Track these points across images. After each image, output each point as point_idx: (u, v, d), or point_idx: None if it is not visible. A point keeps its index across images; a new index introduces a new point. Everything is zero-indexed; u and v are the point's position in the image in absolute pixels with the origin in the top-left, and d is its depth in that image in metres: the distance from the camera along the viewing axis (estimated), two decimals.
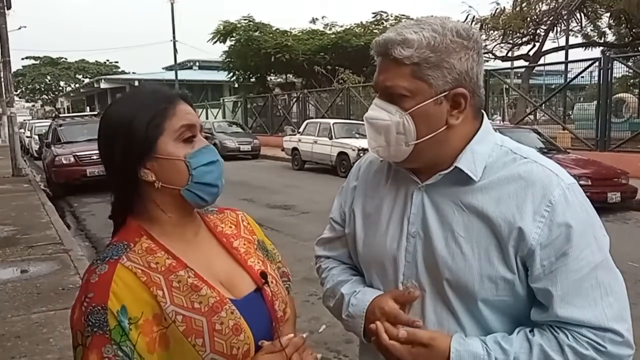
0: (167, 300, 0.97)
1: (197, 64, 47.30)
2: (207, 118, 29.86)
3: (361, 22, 27.29)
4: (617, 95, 14.55)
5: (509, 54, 22.75)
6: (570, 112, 18.26)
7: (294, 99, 24.87)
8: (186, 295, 0.99)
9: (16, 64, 55.64)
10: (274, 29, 27.47)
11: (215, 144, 20.62)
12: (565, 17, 20.85)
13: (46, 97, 61.78)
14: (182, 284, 0.99)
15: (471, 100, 1.05)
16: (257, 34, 26.61)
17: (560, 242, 0.98)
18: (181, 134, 1.02)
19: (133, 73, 49.26)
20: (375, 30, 25.62)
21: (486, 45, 22.05)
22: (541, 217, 0.99)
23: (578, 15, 21.23)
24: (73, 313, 0.97)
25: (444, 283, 1.06)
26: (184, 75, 38.59)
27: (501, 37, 21.88)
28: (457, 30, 1.02)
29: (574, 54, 22.09)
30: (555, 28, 21.49)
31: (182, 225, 1.07)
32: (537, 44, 21.61)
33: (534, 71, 22.78)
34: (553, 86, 22.19)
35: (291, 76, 29.70)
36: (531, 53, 21.80)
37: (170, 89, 1.09)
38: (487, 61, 25.40)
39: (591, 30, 23.17)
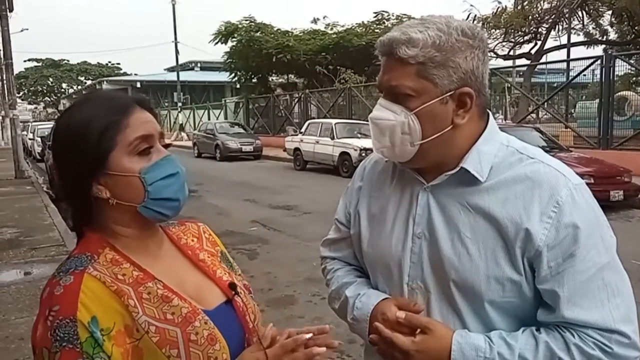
0: (139, 310, 0.91)
1: (199, 65, 47.45)
2: (209, 119, 29.91)
3: (362, 22, 27.26)
4: (619, 93, 14.48)
5: (511, 53, 22.72)
6: (573, 111, 18.23)
7: (296, 99, 24.85)
8: (157, 307, 0.94)
9: (18, 66, 55.88)
10: (275, 29, 27.47)
11: (217, 145, 20.58)
12: (567, 15, 20.82)
13: (48, 99, 61.91)
14: (152, 296, 0.95)
15: (477, 99, 1.04)
16: (258, 34, 26.62)
17: (568, 243, 0.97)
18: (135, 146, 0.94)
19: (135, 74, 49.43)
20: (376, 30, 25.60)
21: (488, 44, 21.99)
22: (548, 217, 0.98)
23: (580, 13, 21.20)
24: (35, 330, 0.88)
25: (451, 284, 1.05)
26: (185, 76, 38.68)
27: (503, 35, 21.86)
28: (463, 29, 1.01)
29: (576, 52, 22.09)
30: (557, 26, 21.46)
31: (145, 239, 1.01)
32: (539, 43, 21.58)
33: (535, 69, 22.76)
34: (555, 84, 22.21)
35: (293, 76, 29.69)
36: (533, 51, 21.76)
37: (127, 95, 1.01)
38: (489, 60, 25.35)
39: (593, 28, 23.14)
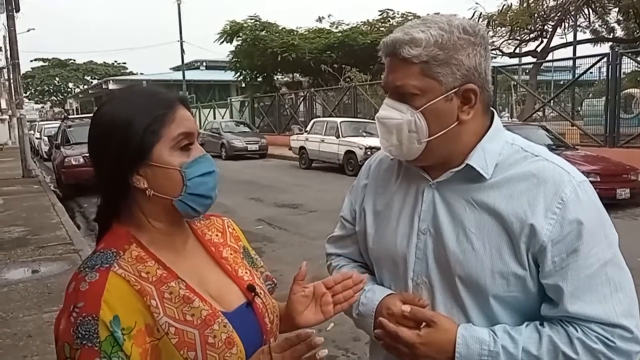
0: (161, 310, 0.93)
1: (204, 64, 47.41)
2: (214, 118, 29.93)
3: (367, 20, 27.24)
4: (626, 90, 14.35)
5: (517, 51, 22.60)
6: (579, 108, 18.09)
7: (301, 98, 24.86)
8: (178, 307, 0.95)
9: (25, 66, 56.10)
10: (280, 28, 27.46)
11: (222, 144, 20.53)
12: (573, 13, 20.67)
13: (55, 98, 62.20)
14: (174, 296, 0.96)
15: (481, 95, 1.06)
16: (263, 33, 26.61)
17: (571, 239, 0.99)
18: (178, 142, 0.97)
19: (141, 74, 49.54)
20: (381, 28, 25.54)
21: (493, 42, 21.90)
22: (553, 214, 1.00)
23: (586, 10, 21.04)
24: (59, 324, 0.91)
25: (456, 279, 1.07)
26: (191, 75, 38.73)
27: (508, 33, 21.72)
28: (464, 27, 1.03)
29: (582, 49, 21.95)
30: (563, 24, 21.30)
31: (172, 234, 1.03)
32: (545, 40, 21.44)
33: (542, 67, 22.61)
34: (561, 82, 21.99)
35: (298, 75, 29.68)
36: (539, 49, 21.63)
37: (170, 91, 1.05)
38: (495, 58, 25.23)
39: (599, 25, 22.96)
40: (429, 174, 1.13)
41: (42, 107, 70.89)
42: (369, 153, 12.51)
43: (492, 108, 1.14)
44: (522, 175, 1.05)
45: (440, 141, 1.06)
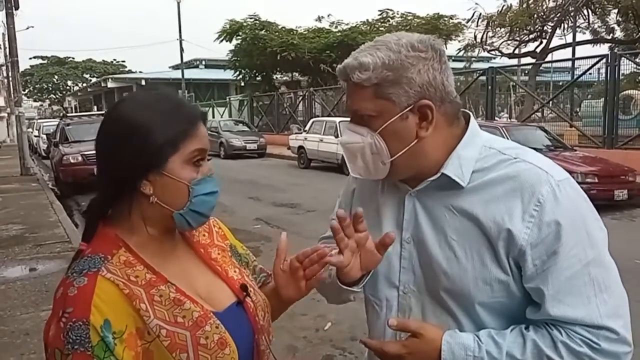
0: (151, 314, 0.93)
1: (204, 62, 47.38)
2: (213, 117, 29.89)
3: (367, 20, 27.27)
4: (625, 92, 14.40)
5: (516, 51, 22.63)
6: (578, 109, 18.15)
7: (300, 97, 24.89)
8: (169, 310, 0.96)
9: (24, 64, 56.11)
10: (279, 27, 27.48)
11: (221, 143, 20.49)
12: (572, 14, 20.70)
13: (54, 96, 62.14)
14: (164, 299, 0.96)
15: (440, 109, 1.05)
16: (263, 32, 26.62)
17: (550, 241, 0.98)
18: (193, 157, 0.99)
19: (140, 72, 49.41)
20: (381, 28, 25.58)
21: (493, 43, 21.96)
22: (530, 216, 0.99)
23: (585, 11, 21.08)
24: (48, 329, 0.90)
25: (441, 287, 1.07)
26: (190, 74, 38.68)
27: (508, 34, 21.76)
28: (412, 44, 1.03)
29: (581, 50, 21.99)
30: (562, 25, 21.34)
31: (162, 240, 1.04)
32: (544, 41, 21.47)
33: (541, 68, 22.65)
34: (560, 83, 22.07)
35: (297, 74, 29.68)
36: (538, 50, 21.66)
37: (194, 106, 1.05)
38: (494, 58, 25.29)
39: (599, 26, 23.02)
40: (408, 183, 1.13)
41: (41, 105, 70.90)
42: None
43: (468, 111, 1.13)
44: (499, 179, 1.04)
45: (404, 159, 1.06)
